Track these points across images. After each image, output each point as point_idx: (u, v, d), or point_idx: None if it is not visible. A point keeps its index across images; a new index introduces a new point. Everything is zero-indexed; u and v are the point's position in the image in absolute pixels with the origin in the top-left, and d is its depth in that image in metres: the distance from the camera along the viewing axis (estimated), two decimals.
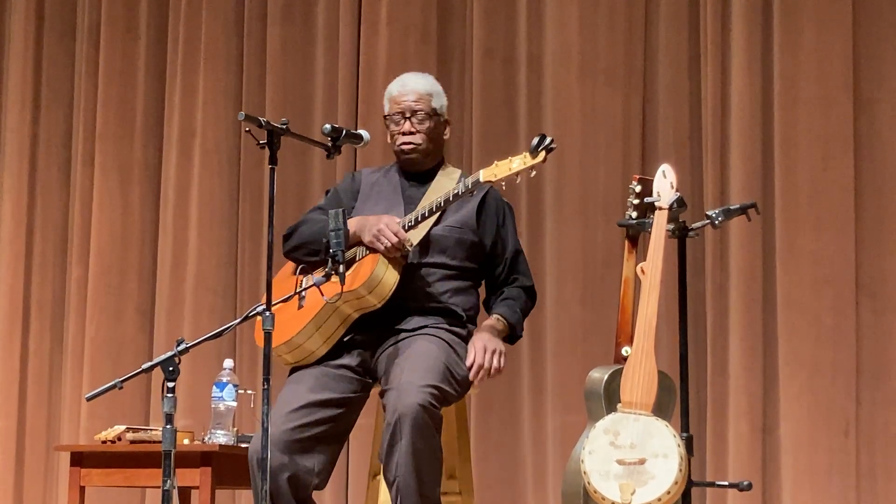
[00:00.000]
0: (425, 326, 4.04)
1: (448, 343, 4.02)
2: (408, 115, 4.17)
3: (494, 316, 4.18)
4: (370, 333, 4.05)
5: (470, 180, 3.98)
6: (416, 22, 6.23)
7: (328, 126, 3.88)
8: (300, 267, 4.17)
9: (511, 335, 4.20)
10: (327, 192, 4.41)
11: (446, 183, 4.18)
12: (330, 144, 3.87)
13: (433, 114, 4.19)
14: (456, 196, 3.99)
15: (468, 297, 4.17)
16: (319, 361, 4.04)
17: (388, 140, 4.25)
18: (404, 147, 4.18)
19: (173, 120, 6.72)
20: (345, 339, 4.04)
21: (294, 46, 6.51)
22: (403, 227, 3.98)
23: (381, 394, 3.92)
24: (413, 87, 4.21)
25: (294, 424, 3.91)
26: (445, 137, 4.29)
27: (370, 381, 4.09)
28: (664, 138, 5.81)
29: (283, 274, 4.26)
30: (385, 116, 4.24)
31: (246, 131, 3.71)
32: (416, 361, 3.88)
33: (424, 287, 4.07)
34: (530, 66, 6.05)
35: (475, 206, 4.19)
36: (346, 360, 4.04)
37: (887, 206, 5.47)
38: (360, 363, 4.06)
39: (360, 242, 4.01)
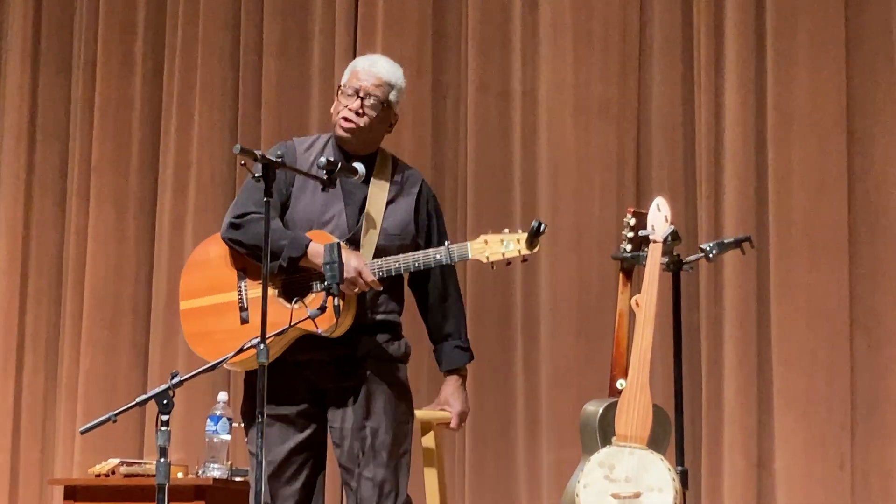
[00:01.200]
0: (368, 360, 3.99)
1: (396, 399, 4.01)
2: (361, 94, 4.03)
3: (457, 378, 4.19)
4: (313, 353, 3.99)
5: (456, 253, 3.87)
6: (410, 56, 6.24)
7: (323, 159, 3.88)
8: (238, 271, 4.04)
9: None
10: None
11: (378, 191, 4.05)
12: (325, 177, 3.87)
13: (385, 105, 4.06)
14: (437, 261, 3.88)
15: (399, 297, 4.09)
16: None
17: (333, 109, 4.11)
18: (343, 124, 4.03)
19: (169, 153, 6.73)
20: (288, 360, 3.98)
21: (289, 80, 6.52)
22: (374, 272, 3.90)
23: (348, 487, 3.97)
24: (378, 71, 4.07)
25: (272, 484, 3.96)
26: (388, 132, 4.14)
27: (321, 411, 4.06)
28: (658, 172, 5.82)
29: (203, 257, 4.12)
30: (339, 85, 4.10)
31: (241, 164, 3.70)
32: (377, 462, 3.93)
33: (366, 301, 3.99)
34: (525, 100, 6.06)
35: (412, 206, 4.08)
36: (293, 401, 4.02)
37: (881, 240, 5.48)
38: (307, 395, 4.03)
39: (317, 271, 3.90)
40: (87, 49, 6.98)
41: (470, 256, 3.85)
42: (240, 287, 4.01)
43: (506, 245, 3.83)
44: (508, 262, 3.85)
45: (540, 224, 3.78)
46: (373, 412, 3.97)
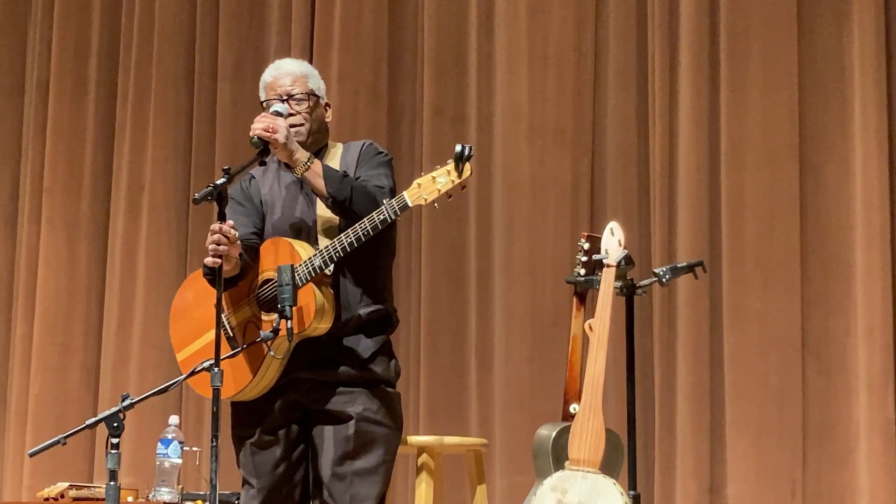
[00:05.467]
0: (357, 386, 3.94)
1: (381, 419, 3.97)
2: (284, 98, 4.02)
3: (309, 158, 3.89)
4: (304, 373, 3.95)
5: (397, 206, 3.75)
6: (366, 80, 6.25)
7: (255, 138, 3.84)
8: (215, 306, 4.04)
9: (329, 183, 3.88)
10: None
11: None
12: (258, 153, 3.84)
13: (311, 94, 4.04)
14: (383, 221, 3.75)
15: (384, 278, 4.02)
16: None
17: None
18: None
19: (121, 175, 6.70)
20: (279, 384, 3.96)
21: (244, 102, 6.50)
22: (331, 258, 3.80)
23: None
24: (287, 69, 4.07)
25: None
26: (327, 120, 4.12)
27: (308, 430, 4.04)
28: (612, 197, 5.85)
29: (183, 304, 4.10)
30: (262, 103, 4.08)
31: (193, 199, 3.69)
32: (354, 485, 3.90)
33: (342, 301, 3.91)
34: (480, 125, 6.08)
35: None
36: (281, 423, 3.99)
37: (832, 268, 5.51)
38: (295, 416, 4.01)
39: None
40: (40, 70, 6.94)
41: (410, 204, 3.73)
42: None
43: (438, 181, 3.72)
44: (449, 195, 3.73)
45: (464, 147, 3.68)
46: (357, 452, 3.92)
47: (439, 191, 3.71)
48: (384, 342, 4.00)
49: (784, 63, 5.62)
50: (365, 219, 3.78)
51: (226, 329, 3.93)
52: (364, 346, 3.94)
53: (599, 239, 4.12)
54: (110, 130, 6.82)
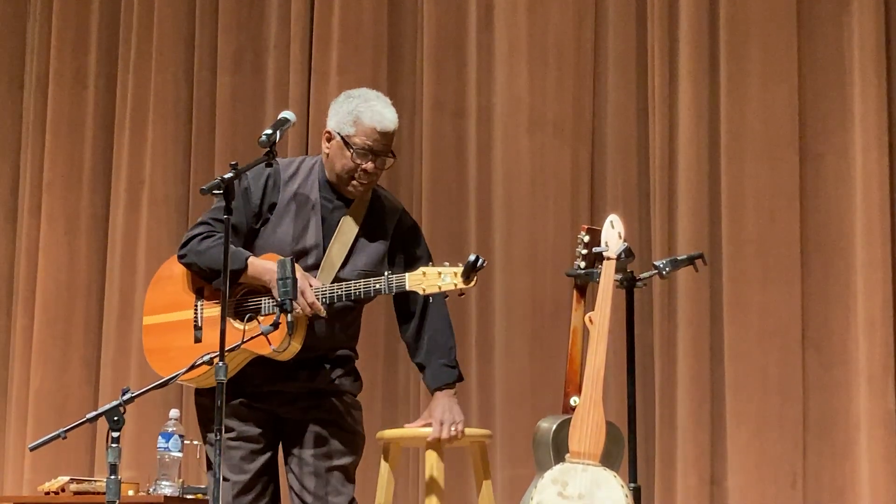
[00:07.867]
0: (331, 395, 4.01)
1: (351, 424, 4.03)
2: (377, 154, 3.98)
3: (448, 389, 4.14)
4: (281, 384, 4.00)
5: (395, 283, 3.83)
6: (365, 73, 6.25)
7: (264, 136, 3.82)
8: (196, 290, 4.04)
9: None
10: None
11: (351, 221, 4.04)
12: (269, 150, 3.83)
13: (393, 156, 4.05)
14: (377, 290, 3.84)
15: (357, 323, 4.12)
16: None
17: (327, 152, 4.01)
18: (360, 187, 4.00)
19: (121, 169, 6.69)
20: (252, 390, 3.99)
21: (244, 96, 6.51)
22: (318, 298, 3.84)
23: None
24: (391, 128, 3.99)
25: None
26: None
27: (278, 438, 4.07)
28: (612, 190, 5.85)
29: (167, 273, 4.12)
30: (345, 138, 3.97)
31: (201, 190, 3.70)
32: (331, 481, 3.96)
33: (325, 333, 3.98)
34: (480, 118, 6.08)
35: (386, 243, 4.06)
36: (254, 423, 4.01)
37: (833, 260, 5.51)
38: (267, 422, 4.03)
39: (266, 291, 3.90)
40: (39, 64, 6.94)
41: (407, 287, 3.84)
42: (196, 306, 4.01)
43: (443, 278, 3.81)
44: (445, 294, 3.87)
45: (477, 258, 3.76)
46: (331, 454, 3.99)
47: (439, 288, 3.82)
48: (349, 368, 4.10)
49: (784, 54, 5.61)
50: (361, 282, 3.88)
51: (196, 319, 3.95)
52: (327, 371, 4.02)
53: (599, 231, 4.11)
54: (110, 124, 6.82)
